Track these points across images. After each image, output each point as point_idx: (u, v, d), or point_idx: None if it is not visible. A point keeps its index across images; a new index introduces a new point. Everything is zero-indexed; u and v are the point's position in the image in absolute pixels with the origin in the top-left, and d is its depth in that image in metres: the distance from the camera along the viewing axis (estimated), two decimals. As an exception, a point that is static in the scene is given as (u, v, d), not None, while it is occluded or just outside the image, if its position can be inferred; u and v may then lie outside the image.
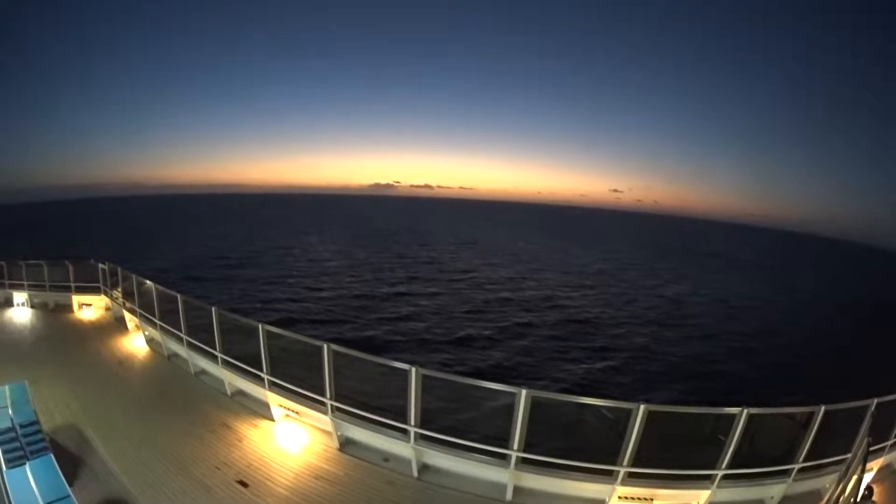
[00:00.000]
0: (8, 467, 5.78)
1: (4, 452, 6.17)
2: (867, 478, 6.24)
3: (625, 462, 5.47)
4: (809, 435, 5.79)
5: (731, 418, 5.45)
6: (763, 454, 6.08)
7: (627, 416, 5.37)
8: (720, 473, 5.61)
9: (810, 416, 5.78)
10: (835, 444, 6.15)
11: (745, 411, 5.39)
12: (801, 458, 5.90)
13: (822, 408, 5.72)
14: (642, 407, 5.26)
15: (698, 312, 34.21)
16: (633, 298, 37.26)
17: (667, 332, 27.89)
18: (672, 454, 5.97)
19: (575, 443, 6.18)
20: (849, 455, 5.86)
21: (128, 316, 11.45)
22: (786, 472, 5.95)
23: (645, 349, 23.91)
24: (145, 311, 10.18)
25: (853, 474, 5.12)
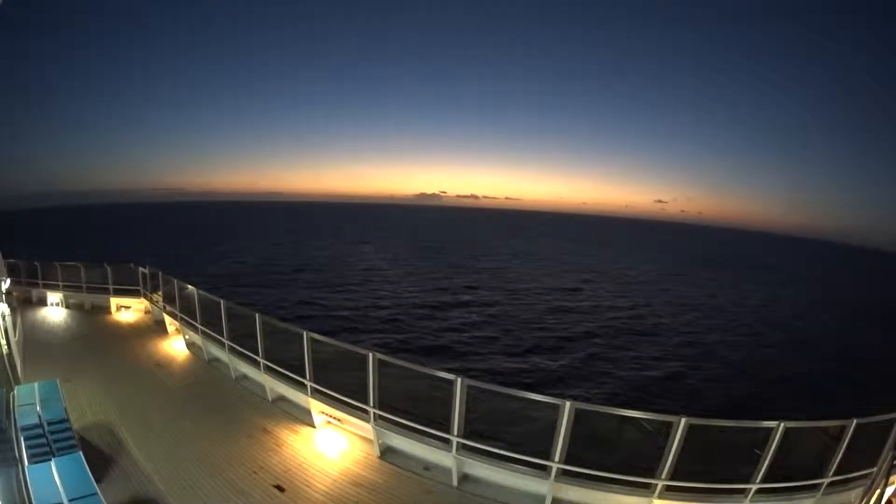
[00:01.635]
0: (31, 462, 5.84)
1: (29, 448, 6.25)
2: (889, 491, 6.38)
3: (663, 475, 5.55)
4: (841, 448, 5.91)
5: (768, 432, 5.57)
6: (793, 467, 6.18)
7: (668, 428, 5.47)
8: (754, 488, 5.67)
9: (842, 430, 5.90)
10: (862, 457, 6.27)
11: (782, 425, 5.47)
12: (831, 472, 6.01)
13: (854, 421, 5.82)
14: (683, 420, 5.33)
15: (748, 323, 34.13)
16: (684, 310, 36.95)
17: (716, 344, 27.64)
18: (707, 467, 6.06)
19: (614, 455, 6.24)
20: (874, 469, 6.03)
21: (168, 319, 11.51)
22: (815, 487, 6.03)
23: (695, 360, 23.86)
24: (186, 315, 10.24)
25: (877, 488, 5.28)
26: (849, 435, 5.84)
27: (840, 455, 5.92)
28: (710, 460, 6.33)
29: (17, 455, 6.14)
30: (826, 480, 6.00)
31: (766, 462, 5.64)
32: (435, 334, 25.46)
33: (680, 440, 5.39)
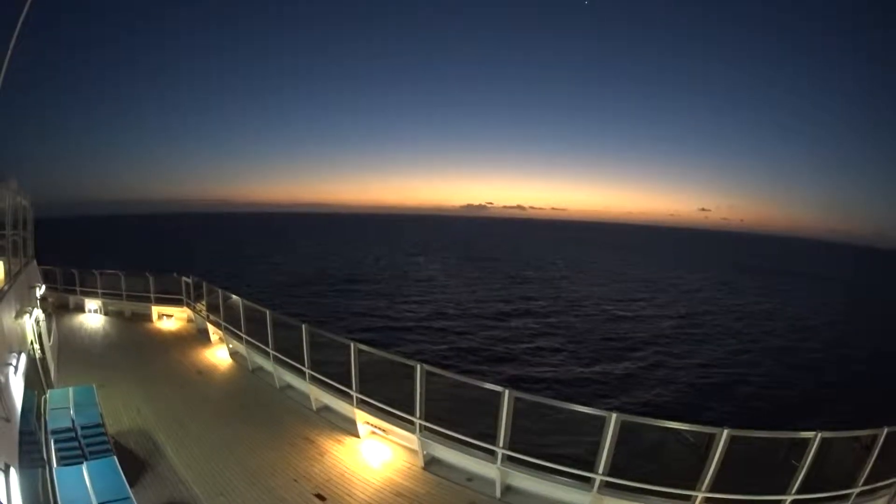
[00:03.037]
0: (60, 465, 5.89)
1: (59, 451, 6.29)
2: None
3: (703, 487, 5.67)
4: (872, 457, 6.07)
5: (804, 442, 5.72)
6: (823, 477, 6.33)
7: (710, 440, 5.61)
8: (790, 499, 5.75)
9: (874, 439, 6.07)
10: (887, 464, 6.44)
11: (819, 435, 5.63)
12: (862, 482, 6.17)
13: (885, 430, 5.96)
14: (726, 432, 5.47)
15: (796, 330, 34.31)
16: (734, 319, 36.92)
17: (767, 352, 27.71)
18: (745, 478, 6.20)
19: (655, 466, 6.37)
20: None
21: (211, 328, 11.62)
22: (846, 497, 6.19)
23: (745, 368, 24.04)
24: (231, 324, 10.30)
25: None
26: (880, 444, 6.01)
27: (871, 464, 6.10)
28: (748, 471, 6.48)
29: (44, 457, 6.17)
30: (856, 490, 6.15)
31: (803, 472, 5.79)
32: (495, 345, 25.69)
33: (722, 452, 5.50)
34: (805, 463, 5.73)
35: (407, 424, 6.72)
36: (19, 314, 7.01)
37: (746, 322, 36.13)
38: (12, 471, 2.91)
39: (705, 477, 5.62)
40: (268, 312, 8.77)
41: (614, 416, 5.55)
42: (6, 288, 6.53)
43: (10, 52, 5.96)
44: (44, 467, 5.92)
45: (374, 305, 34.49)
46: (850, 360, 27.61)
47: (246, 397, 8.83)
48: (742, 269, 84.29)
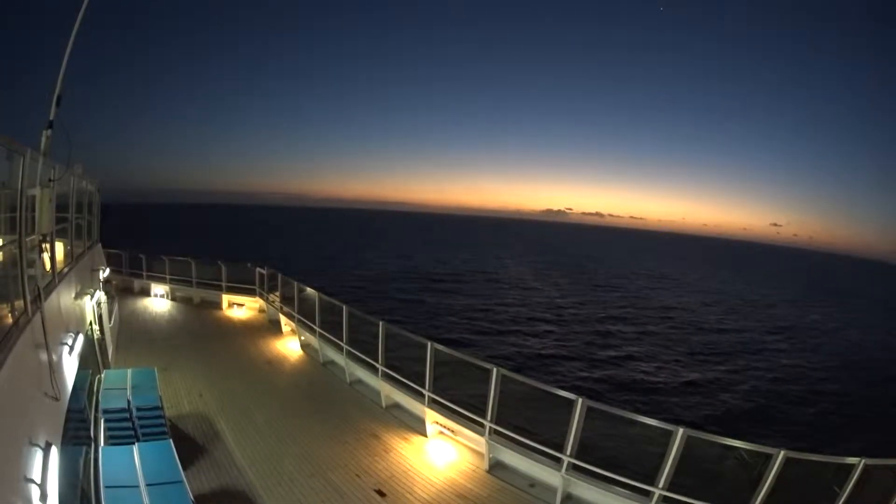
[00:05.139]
0: (107, 444, 6.03)
1: (109, 430, 6.40)
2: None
3: None
4: None
5: (849, 468, 6.11)
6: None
7: (766, 460, 5.96)
8: None
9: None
10: None
11: (863, 462, 5.99)
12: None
13: None
14: (782, 453, 5.81)
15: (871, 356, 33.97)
16: (821, 344, 36.36)
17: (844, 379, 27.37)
18: (787, 500, 6.52)
19: (713, 484, 6.66)
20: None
21: (284, 320, 11.67)
22: None
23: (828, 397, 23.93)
24: (304, 317, 10.36)
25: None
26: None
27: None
28: (796, 493, 6.80)
29: (91, 435, 6.15)
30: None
31: (844, 498, 6.17)
32: (584, 351, 25.91)
33: (776, 473, 5.84)
34: (846, 489, 6.10)
35: (477, 426, 6.88)
36: (79, 295, 7.11)
37: (825, 342, 36.12)
38: (53, 449, 3.04)
39: (757, 497, 5.93)
40: (344, 307, 8.94)
41: (681, 430, 5.82)
42: (67, 270, 6.60)
43: (72, 39, 6.33)
44: (89, 446, 5.90)
45: (464, 305, 34.53)
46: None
47: (315, 390, 8.88)
48: (821, 289, 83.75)
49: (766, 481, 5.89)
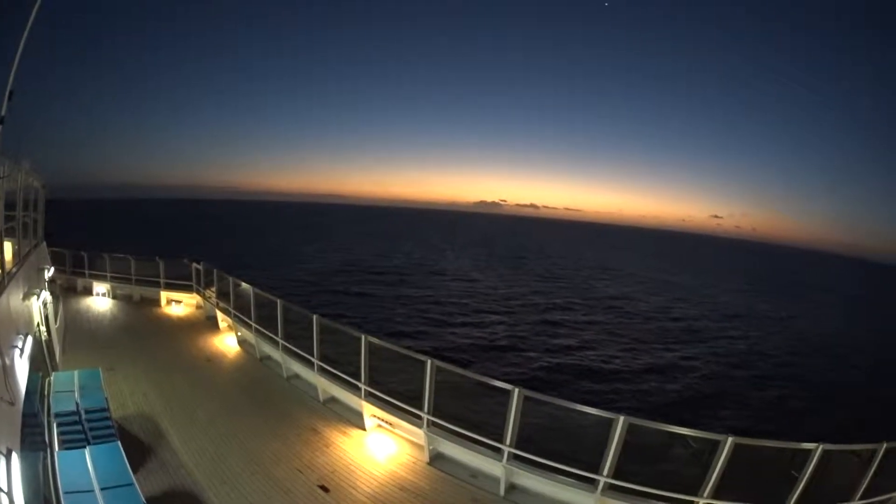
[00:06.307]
0: (62, 449, 5.88)
1: (62, 434, 6.28)
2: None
3: (705, 494, 5.74)
4: (870, 471, 6.15)
5: (806, 454, 5.81)
6: (823, 490, 6.43)
7: (714, 447, 5.69)
8: None
9: (873, 453, 6.16)
10: (885, 479, 6.53)
11: (821, 447, 5.73)
12: (859, 496, 6.28)
13: (885, 445, 5.94)
14: (730, 440, 5.54)
15: (816, 345, 33.76)
16: (770, 332, 36.49)
17: (789, 365, 27.53)
18: (746, 487, 6.29)
19: (659, 470, 6.44)
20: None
21: (220, 315, 11.61)
22: None
23: (762, 378, 24.10)
24: (240, 312, 10.28)
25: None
26: (878, 458, 6.13)
27: (868, 478, 6.20)
28: (750, 479, 6.56)
29: (46, 440, 6.13)
30: (856, 504, 6.24)
31: (803, 484, 5.88)
32: (530, 344, 25.55)
33: (725, 460, 5.59)
34: (805, 474, 5.82)
35: (414, 419, 6.76)
36: (27, 296, 6.98)
37: (776, 332, 36.11)
38: (14, 455, 2.90)
39: (707, 483, 5.70)
40: (279, 301, 8.79)
41: (622, 418, 5.62)
42: (15, 270, 6.50)
43: (25, 34, 6.02)
44: (46, 451, 5.89)
45: (409, 297, 34.42)
46: (854, 373, 27.72)
47: (253, 386, 8.83)
48: (764, 279, 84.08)
49: (715, 467, 5.65)
